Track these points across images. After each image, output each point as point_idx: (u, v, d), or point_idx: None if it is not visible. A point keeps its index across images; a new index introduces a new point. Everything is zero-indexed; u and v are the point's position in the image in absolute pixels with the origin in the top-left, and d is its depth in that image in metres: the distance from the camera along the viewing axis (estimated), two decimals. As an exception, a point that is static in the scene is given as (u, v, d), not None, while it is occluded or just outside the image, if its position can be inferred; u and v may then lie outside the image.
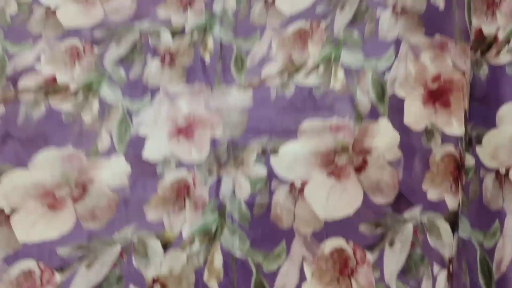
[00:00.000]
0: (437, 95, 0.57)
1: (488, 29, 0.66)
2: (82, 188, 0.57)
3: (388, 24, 0.61)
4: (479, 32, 0.66)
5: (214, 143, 0.61)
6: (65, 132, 0.61)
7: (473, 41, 0.64)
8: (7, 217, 0.54)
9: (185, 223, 0.55)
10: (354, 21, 0.65)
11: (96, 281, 0.51)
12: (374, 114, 0.57)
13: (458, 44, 0.59)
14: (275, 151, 0.58)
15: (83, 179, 0.57)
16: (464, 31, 0.61)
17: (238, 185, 0.57)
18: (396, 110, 0.56)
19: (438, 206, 0.54)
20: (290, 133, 0.59)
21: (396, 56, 0.59)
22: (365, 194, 0.55)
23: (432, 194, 0.55)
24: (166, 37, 0.68)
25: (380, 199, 0.55)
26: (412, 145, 0.55)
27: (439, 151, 0.55)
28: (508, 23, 0.65)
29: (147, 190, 0.57)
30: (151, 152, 0.60)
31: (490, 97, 0.62)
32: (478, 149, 0.59)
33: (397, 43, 0.60)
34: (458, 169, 0.55)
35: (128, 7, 0.71)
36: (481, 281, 0.55)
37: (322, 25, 0.64)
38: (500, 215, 0.56)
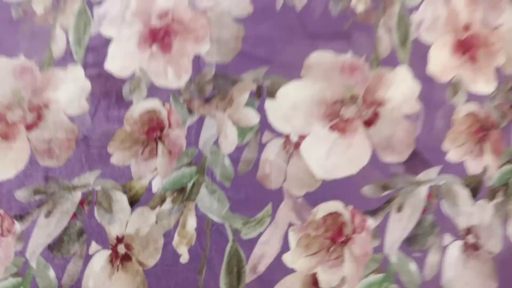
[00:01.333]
0: (467, 46, 0.49)
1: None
2: (36, 112, 0.46)
3: None
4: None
5: (198, 63, 0.46)
6: (15, 32, 0.48)
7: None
8: None
9: (156, 174, 0.45)
10: None
11: (56, 233, 0.45)
12: (393, 61, 0.48)
13: None
14: (272, 93, 0.45)
15: (37, 101, 0.47)
16: None
17: (224, 133, 0.45)
18: (419, 57, 0.48)
19: (458, 169, 0.47)
20: (293, 68, 0.46)
21: None
22: (373, 152, 0.46)
23: (453, 155, 0.47)
24: None
25: (390, 157, 0.46)
26: (435, 99, 0.48)
27: (463, 108, 0.48)
28: None
29: (110, 121, 0.46)
30: (116, 63, 0.47)
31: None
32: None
33: None
34: (483, 130, 0.48)
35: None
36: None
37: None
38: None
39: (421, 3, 0.49)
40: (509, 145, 0.49)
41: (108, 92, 0.46)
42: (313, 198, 0.45)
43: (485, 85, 0.49)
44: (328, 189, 0.45)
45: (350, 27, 0.48)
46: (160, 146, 0.45)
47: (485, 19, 0.51)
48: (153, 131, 0.46)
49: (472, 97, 0.49)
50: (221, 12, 0.46)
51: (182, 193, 0.46)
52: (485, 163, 0.48)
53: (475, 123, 0.49)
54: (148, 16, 0.46)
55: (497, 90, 0.50)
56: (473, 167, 0.47)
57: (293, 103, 0.46)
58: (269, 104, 0.46)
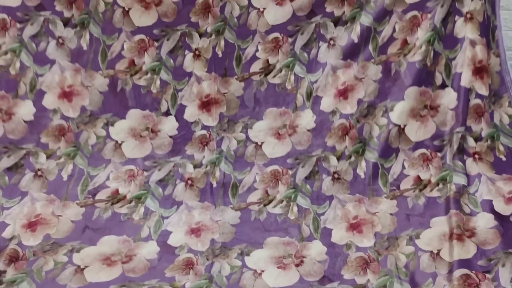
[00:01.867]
0: None
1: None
2: (129, 258, 0.95)
3: None
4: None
5: (212, 242, 1.00)
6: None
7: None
8: (82, 270, 0.92)
9: (188, 281, 0.90)
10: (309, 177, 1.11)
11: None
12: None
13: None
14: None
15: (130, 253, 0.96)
16: None
17: (223, 268, 0.94)
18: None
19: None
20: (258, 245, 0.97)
21: None
22: (301, 276, 0.91)
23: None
24: (189, 169, 1.10)
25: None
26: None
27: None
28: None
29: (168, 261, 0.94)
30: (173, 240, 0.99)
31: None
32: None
33: None
34: None
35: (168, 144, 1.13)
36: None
37: (289, 172, 1.06)
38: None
39: None
40: None
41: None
42: None
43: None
44: None
45: (287, 226, 1.05)
46: (191, 271, 0.95)
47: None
48: (188, 265, 0.96)
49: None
50: (224, 221, 1.01)
51: None
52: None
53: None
54: (190, 224, 1.01)
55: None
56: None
57: (259, 257, 0.98)
58: (246, 259, 0.98)
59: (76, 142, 1.12)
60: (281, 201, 1.06)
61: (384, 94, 1.11)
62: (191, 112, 1.15)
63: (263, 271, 0.92)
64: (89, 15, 1.10)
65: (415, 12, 1.09)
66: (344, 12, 1.11)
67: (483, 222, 0.96)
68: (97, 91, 1.14)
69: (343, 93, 1.10)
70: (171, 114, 1.15)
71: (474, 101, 1.09)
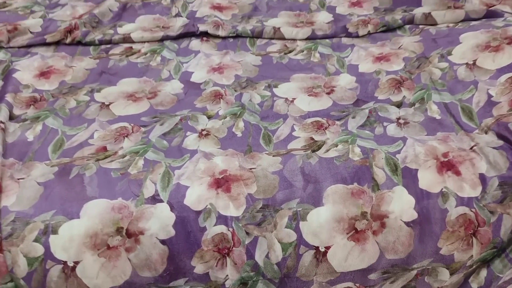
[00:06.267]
0: (449, 166, 0.71)
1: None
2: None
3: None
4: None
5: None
6: (114, 185, 0.71)
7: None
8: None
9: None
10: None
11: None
12: (389, 184, 0.69)
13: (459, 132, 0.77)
14: (304, 216, 0.68)
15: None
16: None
17: (272, 249, 0.66)
18: (410, 179, 0.70)
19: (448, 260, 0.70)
20: (317, 197, 0.70)
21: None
22: (380, 253, 0.67)
23: (445, 251, 0.69)
24: (202, 120, 0.83)
25: (393, 256, 0.68)
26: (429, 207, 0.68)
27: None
28: None
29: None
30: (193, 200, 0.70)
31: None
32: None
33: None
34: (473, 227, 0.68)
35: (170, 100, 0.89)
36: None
37: (337, 122, 0.81)
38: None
39: (401, 149, 0.73)
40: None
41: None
42: (333, 281, 0.68)
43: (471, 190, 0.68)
44: (344, 276, 0.68)
45: (352, 167, 0.71)
46: (228, 260, 0.67)
47: (460, 146, 0.73)
48: (223, 250, 0.67)
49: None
50: (262, 169, 0.70)
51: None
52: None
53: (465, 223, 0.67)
54: (212, 172, 0.70)
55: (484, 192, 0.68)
56: (461, 257, 0.68)
57: (319, 223, 0.66)
58: (302, 225, 0.66)
59: (50, 108, 0.87)
60: (335, 146, 0.78)
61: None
62: (200, 76, 0.97)
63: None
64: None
65: None
66: None
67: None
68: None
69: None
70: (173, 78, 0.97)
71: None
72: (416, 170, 0.71)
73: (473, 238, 0.68)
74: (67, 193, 0.68)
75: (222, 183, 0.69)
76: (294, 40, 1.07)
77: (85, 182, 0.69)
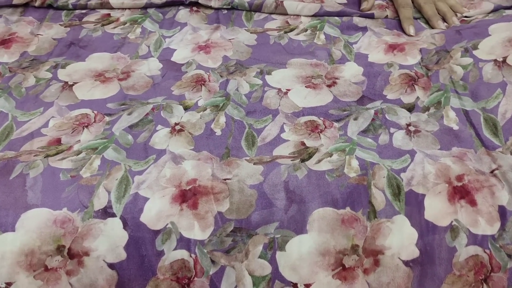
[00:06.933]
0: (463, 193, 0.58)
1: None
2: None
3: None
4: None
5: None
6: (61, 190, 0.59)
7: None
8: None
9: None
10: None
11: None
12: (388, 212, 0.57)
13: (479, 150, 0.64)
14: (282, 245, 0.56)
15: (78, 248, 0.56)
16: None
17: (241, 282, 0.55)
18: (414, 206, 0.57)
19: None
20: (301, 224, 0.58)
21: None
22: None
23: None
24: (177, 111, 0.70)
25: None
26: (434, 243, 0.55)
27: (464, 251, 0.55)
28: None
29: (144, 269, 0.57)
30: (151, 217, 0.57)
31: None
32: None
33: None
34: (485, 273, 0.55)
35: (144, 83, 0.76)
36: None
37: (336, 124, 0.68)
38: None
39: (407, 166, 0.60)
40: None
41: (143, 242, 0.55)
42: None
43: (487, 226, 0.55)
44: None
45: (347, 186, 0.58)
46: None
47: (478, 167, 0.59)
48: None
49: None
50: (239, 181, 0.58)
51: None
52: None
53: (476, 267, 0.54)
54: (179, 182, 0.58)
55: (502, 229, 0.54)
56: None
57: (300, 255, 0.53)
58: (279, 255, 0.54)
59: (4, 85, 0.74)
60: (329, 155, 0.65)
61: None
62: (183, 55, 0.83)
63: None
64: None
65: None
66: None
67: None
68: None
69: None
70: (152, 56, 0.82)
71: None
72: (423, 195, 0.59)
73: (484, 285, 0.55)
74: (4, 198, 0.57)
75: (188, 196, 0.58)
76: (297, 16, 0.92)
77: (27, 185, 0.58)
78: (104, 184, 0.59)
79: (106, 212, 0.56)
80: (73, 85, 0.74)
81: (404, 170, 0.61)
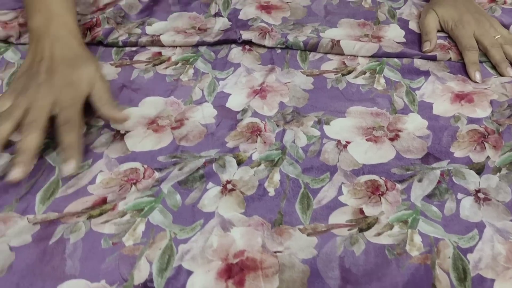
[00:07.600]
0: None
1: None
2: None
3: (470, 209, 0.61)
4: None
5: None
6: (101, 259, 0.58)
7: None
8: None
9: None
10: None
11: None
12: None
13: None
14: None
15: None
16: None
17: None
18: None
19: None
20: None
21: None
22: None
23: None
24: (230, 166, 0.67)
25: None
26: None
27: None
28: None
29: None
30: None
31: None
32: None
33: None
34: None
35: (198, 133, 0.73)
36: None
37: (398, 186, 0.64)
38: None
39: (475, 245, 0.56)
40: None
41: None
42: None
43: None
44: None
45: (408, 267, 0.54)
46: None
47: None
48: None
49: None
50: (290, 254, 0.55)
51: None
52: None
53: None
54: (226, 254, 0.55)
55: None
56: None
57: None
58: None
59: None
60: (390, 228, 0.61)
61: None
62: (238, 101, 0.79)
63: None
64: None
65: None
66: None
67: None
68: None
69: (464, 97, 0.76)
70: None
71: None
72: (492, 281, 0.53)
73: None
74: (42, 267, 0.55)
75: (235, 271, 0.54)
76: (354, 56, 0.87)
77: (66, 252, 0.56)
78: (147, 254, 0.56)
79: (146, 287, 0.53)
80: (125, 134, 0.72)
81: (471, 250, 0.56)
